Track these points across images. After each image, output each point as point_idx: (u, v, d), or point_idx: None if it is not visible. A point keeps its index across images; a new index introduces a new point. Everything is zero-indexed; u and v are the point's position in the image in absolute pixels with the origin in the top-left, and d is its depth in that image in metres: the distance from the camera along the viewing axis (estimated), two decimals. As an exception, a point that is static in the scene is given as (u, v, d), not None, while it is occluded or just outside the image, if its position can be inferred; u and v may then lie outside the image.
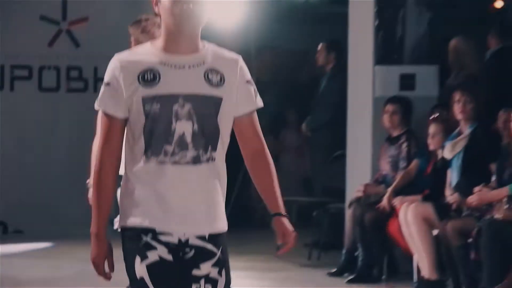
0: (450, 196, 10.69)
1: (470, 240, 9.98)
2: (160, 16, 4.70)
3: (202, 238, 4.64)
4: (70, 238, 13.55)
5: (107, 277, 4.75)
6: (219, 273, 4.65)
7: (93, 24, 15.46)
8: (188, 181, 4.61)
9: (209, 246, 4.65)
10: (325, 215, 13.42)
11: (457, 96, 10.89)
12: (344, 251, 12.01)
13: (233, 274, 5.06)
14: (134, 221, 4.75)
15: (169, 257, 4.63)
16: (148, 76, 4.59)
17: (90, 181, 9.41)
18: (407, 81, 12.62)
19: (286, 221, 4.82)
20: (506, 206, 9.81)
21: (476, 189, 10.14)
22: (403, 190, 11.43)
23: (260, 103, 4.87)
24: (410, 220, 10.76)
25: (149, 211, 4.70)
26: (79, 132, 14.50)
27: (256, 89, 4.88)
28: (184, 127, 4.55)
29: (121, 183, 4.83)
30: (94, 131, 8.11)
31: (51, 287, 10.60)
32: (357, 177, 12.62)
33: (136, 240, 4.71)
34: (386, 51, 13.07)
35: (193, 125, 4.55)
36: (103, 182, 4.77)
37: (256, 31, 16.66)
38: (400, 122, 11.88)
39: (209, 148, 4.62)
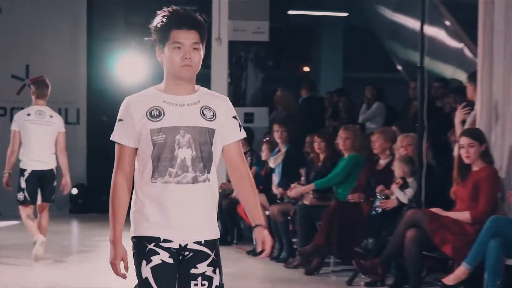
0: (276, 190, 12.63)
1: (289, 217, 11.80)
2: (162, 64, 4.96)
3: (198, 243, 4.90)
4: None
5: (123, 277, 5.01)
6: (214, 271, 4.93)
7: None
8: (188, 197, 4.86)
9: (204, 250, 4.92)
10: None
11: (276, 127, 12.93)
12: None
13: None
14: (143, 231, 4.99)
15: (170, 260, 4.92)
16: (155, 113, 4.86)
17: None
18: (248, 117, 14.75)
19: (265, 231, 4.99)
20: (311, 196, 11.61)
21: (292, 185, 12.01)
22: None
23: (243, 134, 5.14)
24: None
25: (155, 223, 4.94)
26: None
27: (240, 123, 5.14)
28: (185, 153, 4.82)
29: (132, 200, 5.06)
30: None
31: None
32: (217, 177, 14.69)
33: (142, 248, 4.96)
34: (235, 98, 14.29)
35: (192, 152, 4.82)
36: (118, 199, 4.98)
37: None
38: (244, 143, 13.03)
39: (205, 170, 4.86)
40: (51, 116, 12.14)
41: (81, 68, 17.69)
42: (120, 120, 5.04)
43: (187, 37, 4.81)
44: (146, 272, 4.97)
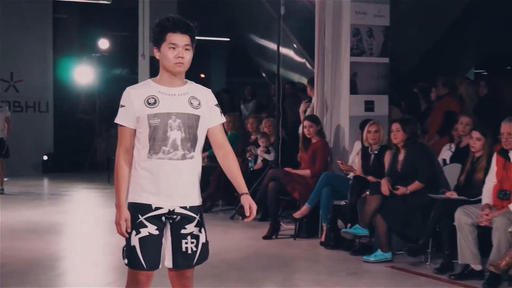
0: None
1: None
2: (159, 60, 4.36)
3: (184, 208, 4.31)
4: None
5: (125, 235, 4.30)
6: (200, 231, 4.37)
7: (24, 82, 16.67)
8: (177, 171, 4.28)
9: (190, 213, 4.33)
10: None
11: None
12: None
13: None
14: (139, 198, 4.35)
15: (156, 232, 4.30)
16: (151, 101, 4.30)
17: None
18: None
19: (251, 198, 4.43)
20: (206, 160, 10.63)
21: None
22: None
23: (224, 119, 4.54)
24: None
25: (149, 191, 4.29)
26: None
27: (221, 110, 4.54)
28: (176, 135, 4.27)
29: (131, 173, 4.35)
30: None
31: None
32: None
33: (135, 219, 4.31)
34: None
35: (181, 134, 4.27)
36: (121, 171, 4.34)
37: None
38: None
39: (192, 149, 4.30)
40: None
41: (49, 74, 17.31)
42: (122, 106, 4.39)
43: (180, 40, 4.26)
44: (135, 241, 4.30)
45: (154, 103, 4.27)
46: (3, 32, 16.48)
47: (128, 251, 4.27)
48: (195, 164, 4.32)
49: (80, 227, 9.73)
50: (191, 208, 4.31)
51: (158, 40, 4.30)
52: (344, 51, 9.42)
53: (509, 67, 17.78)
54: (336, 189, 8.37)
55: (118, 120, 4.35)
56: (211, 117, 4.41)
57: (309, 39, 10.57)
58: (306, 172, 9.00)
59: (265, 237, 8.77)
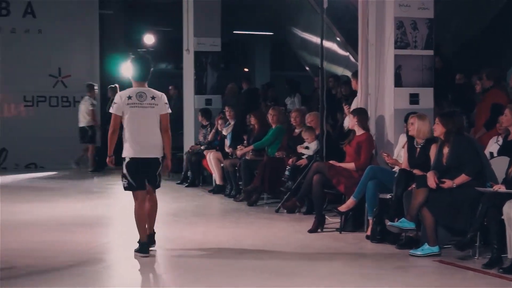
0: (228, 150, 12.49)
1: (237, 168, 11.56)
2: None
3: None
4: None
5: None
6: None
7: (72, 77, 16.89)
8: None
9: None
10: (175, 159, 13.71)
11: (227, 108, 12.95)
12: (183, 172, 13.49)
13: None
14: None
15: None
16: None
17: None
18: (208, 102, 14.40)
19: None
20: (251, 153, 11.57)
21: (239, 147, 11.98)
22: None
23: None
24: (213, 159, 12.40)
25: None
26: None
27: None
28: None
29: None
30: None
31: None
32: (189, 141, 14.27)
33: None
34: (199, 88, 14.45)
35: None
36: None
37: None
38: (203, 119, 13.68)
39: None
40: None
41: (96, 69, 17.46)
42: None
43: None
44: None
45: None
46: (51, 29, 16.87)
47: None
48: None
49: (127, 220, 9.70)
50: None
51: None
52: (388, 44, 9.27)
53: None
54: (381, 182, 8.23)
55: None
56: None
57: (353, 32, 10.44)
58: (350, 165, 8.89)
59: (310, 231, 8.68)
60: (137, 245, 7.17)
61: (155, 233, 7.42)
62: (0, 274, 6.39)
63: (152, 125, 7.11)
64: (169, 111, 7.20)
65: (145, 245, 7.06)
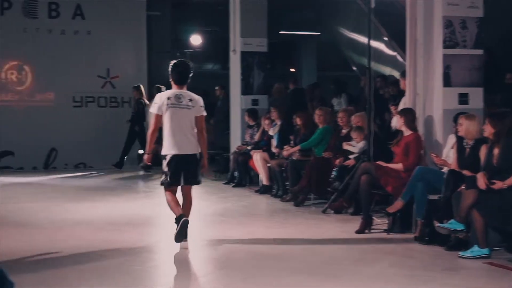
0: (275, 150, 12.51)
1: (283, 168, 11.63)
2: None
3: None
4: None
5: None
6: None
7: (120, 78, 17.05)
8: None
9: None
10: (222, 159, 15.19)
11: (273, 109, 12.96)
12: (230, 172, 13.53)
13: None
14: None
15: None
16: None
17: None
18: (255, 102, 14.43)
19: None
20: (298, 154, 11.49)
21: (285, 147, 11.91)
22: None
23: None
24: (259, 159, 12.43)
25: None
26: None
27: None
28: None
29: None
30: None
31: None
32: (235, 141, 14.36)
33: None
34: (246, 88, 14.55)
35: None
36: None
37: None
38: (250, 119, 13.62)
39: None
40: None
41: (143, 70, 17.62)
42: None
43: None
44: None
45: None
46: (100, 30, 16.99)
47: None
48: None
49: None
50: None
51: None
52: (437, 43, 9.19)
53: None
54: (430, 183, 8.13)
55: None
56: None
57: (400, 32, 10.33)
58: (398, 165, 8.82)
59: (358, 232, 8.64)
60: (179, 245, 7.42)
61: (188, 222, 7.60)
62: (51, 272, 6.45)
63: (188, 125, 7.46)
64: (205, 113, 7.57)
65: (181, 216, 7.46)
